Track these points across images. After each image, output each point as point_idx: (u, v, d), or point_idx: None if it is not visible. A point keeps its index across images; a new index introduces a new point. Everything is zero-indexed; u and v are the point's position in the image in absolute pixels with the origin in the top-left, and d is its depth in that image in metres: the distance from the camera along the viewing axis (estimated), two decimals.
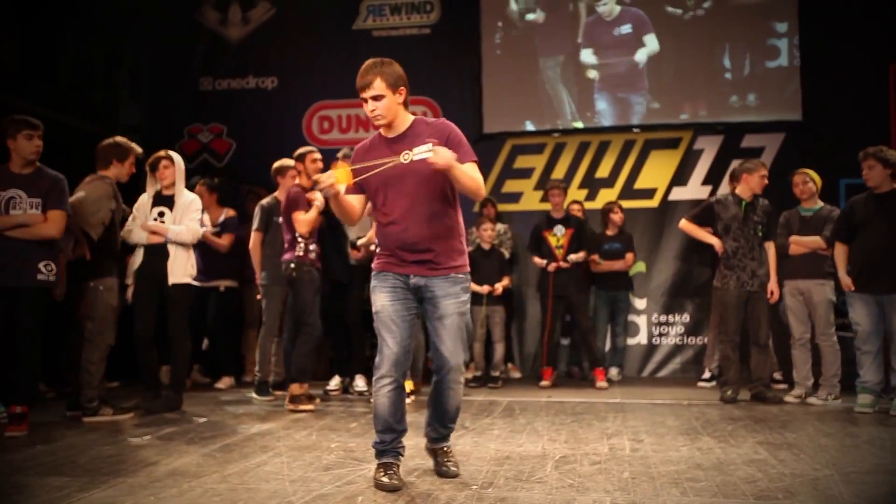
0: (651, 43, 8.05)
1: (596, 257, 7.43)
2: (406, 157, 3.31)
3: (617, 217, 7.52)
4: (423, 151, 3.25)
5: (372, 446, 3.47)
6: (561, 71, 8.22)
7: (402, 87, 3.37)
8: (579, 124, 8.20)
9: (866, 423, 4.92)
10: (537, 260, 7.09)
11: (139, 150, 5.49)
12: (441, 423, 3.57)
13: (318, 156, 5.92)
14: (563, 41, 8.23)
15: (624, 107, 8.13)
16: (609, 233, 7.56)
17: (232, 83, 8.90)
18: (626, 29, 8.07)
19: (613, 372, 7.48)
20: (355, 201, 3.48)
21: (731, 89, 7.97)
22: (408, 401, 4.27)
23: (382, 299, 3.39)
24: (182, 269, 5.52)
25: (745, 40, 7.95)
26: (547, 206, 7.41)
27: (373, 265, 3.52)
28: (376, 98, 3.32)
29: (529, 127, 8.30)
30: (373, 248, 5.55)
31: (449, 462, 3.56)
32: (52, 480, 3.46)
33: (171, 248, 5.50)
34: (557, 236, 7.03)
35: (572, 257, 6.95)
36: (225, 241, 6.92)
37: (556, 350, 7.23)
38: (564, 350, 7.88)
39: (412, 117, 3.45)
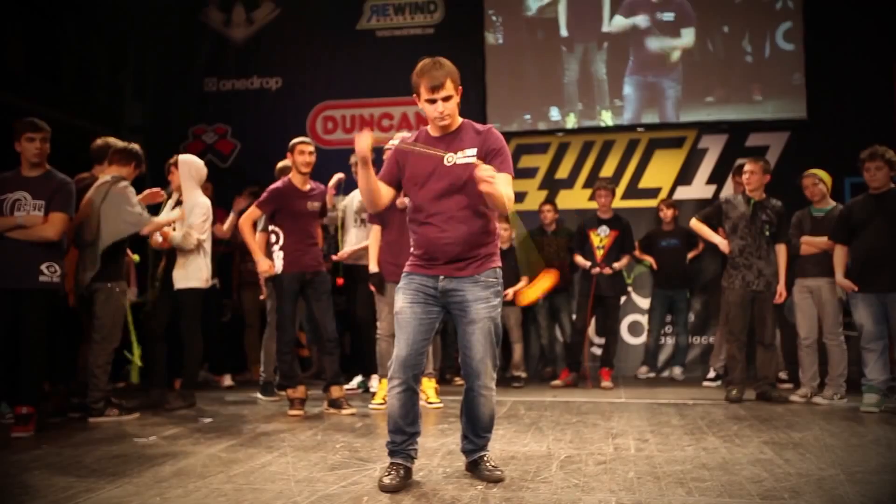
0: (687, 37, 8.00)
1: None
2: (450, 159, 3.30)
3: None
4: (466, 157, 3.27)
5: (385, 446, 3.47)
6: (581, 59, 8.17)
7: (460, 87, 3.35)
8: (572, 122, 8.19)
9: (872, 423, 4.90)
10: (580, 260, 7.02)
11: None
12: (475, 433, 3.48)
13: (309, 149, 5.43)
14: (587, 30, 8.20)
15: (654, 91, 8.04)
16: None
17: (236, 84, 8.92)
18: (668, 16, 8.02)
19: (677, 371, 7.58)
20: (386, 191, 3.41)
21: (755, 72, 7.90)
22: None
23: (403, 301, 3.37)
24: (188, 274, 5.59)
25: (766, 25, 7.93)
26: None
27: (406, 267, 3.46)
28: (446, 99, 3.27)
29: (539, 124, 8.28)
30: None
31: (491, 466, 3.46)
32: (57, 480, 3.47)
33: (179, 254, 5.62)
34: (601, 236, 6.97)
35: (616, 265, 6.91)
36: (225, 225, 6.72)
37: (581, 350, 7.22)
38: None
39: (461, 119, 3.42)
